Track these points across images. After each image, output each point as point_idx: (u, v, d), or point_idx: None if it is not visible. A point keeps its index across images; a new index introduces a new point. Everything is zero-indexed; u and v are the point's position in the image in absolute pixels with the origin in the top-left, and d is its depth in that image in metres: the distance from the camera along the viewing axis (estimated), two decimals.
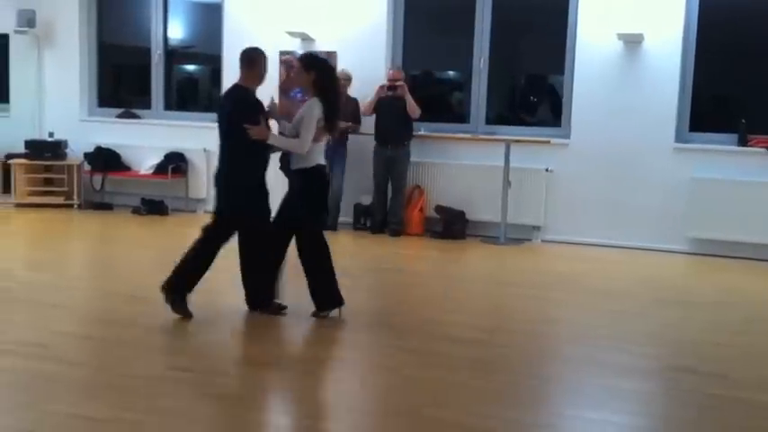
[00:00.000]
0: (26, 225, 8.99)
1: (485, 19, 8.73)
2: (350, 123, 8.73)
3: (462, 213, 8.59)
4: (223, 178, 5.36)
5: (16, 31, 10.05)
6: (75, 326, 5.24)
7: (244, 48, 5.51)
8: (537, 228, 8.55)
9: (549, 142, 8.44)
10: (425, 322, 5.58)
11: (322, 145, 5.36)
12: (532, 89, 9.71)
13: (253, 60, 5.37)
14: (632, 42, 8.14)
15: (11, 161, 9.81)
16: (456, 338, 5.18)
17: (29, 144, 9.83)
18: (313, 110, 5.20)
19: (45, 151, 9.77)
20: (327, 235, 8.37)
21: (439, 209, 8.62)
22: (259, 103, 5.34)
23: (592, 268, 7.50)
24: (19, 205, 9.62)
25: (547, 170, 8.44)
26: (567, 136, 8.49)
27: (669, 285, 7.01)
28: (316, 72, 5.31)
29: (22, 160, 9.77)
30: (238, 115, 5.20)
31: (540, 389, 4.46)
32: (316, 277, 5.37)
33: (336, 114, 5.40)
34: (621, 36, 8.13)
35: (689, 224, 8.02)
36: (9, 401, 4.01)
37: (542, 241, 8.52)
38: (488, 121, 8.90)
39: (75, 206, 9.76)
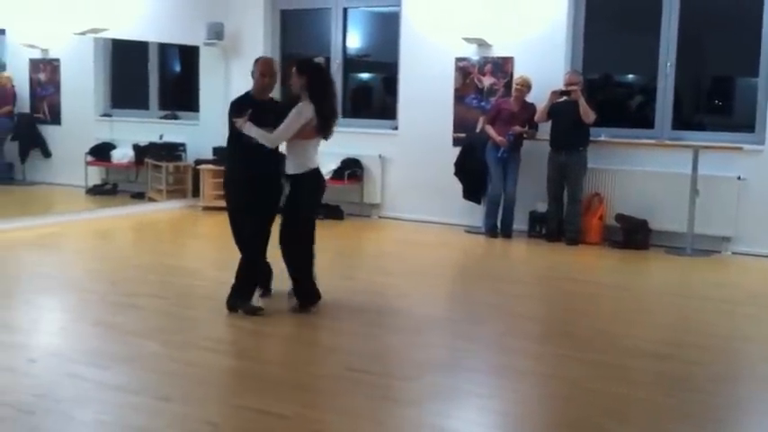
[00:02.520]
0: (213, 227, 9.43)
1: (672, 18, 8.32)
2: (525, 129, 8.60)
3: (645, 222, 8.21)
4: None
5: (205, 44, 10.58)
6: (261, 324, 5.40)
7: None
8: (727, 239, 8.03)
9: (741, 149, 7.92)
10: (606, 334, 5.36)
11: (314, 149, 5.51)
12: (721, 92, 9.17)
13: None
14: None
15: (200, 167, 10.35)
16: (639, 352, 4.95)
17: (216, 151, 10.33)
18: (300, 111, 5.34)
19: None
20: (501, 242, 8.32)
21: (620, 217, 8.28)
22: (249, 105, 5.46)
23: None
24: (206, 208, 10.13)
25: (739, 178, 7.92)
26: (762, 142, 7.93)
27: None
28: (307, 76, 5.43)
29: (210, 166, 10.28)
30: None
31: (731, 410, 4.17)
32: (302, 274, 5.54)
33: (329, 116, 5.43)
34: None
35: None
36: (196, 394, 4.17)
37: (733, 253, 7.99)
38: (674, 126, 8.46)
39: None
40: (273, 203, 5.58)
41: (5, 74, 11.49)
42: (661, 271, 7.59)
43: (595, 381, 4.44)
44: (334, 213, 9.78)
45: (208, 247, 8.63)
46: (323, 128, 5.44)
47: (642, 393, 4.27)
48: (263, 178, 5.48)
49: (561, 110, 8.33)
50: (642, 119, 8.92)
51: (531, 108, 8.59)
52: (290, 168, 5.48)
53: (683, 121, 8.63)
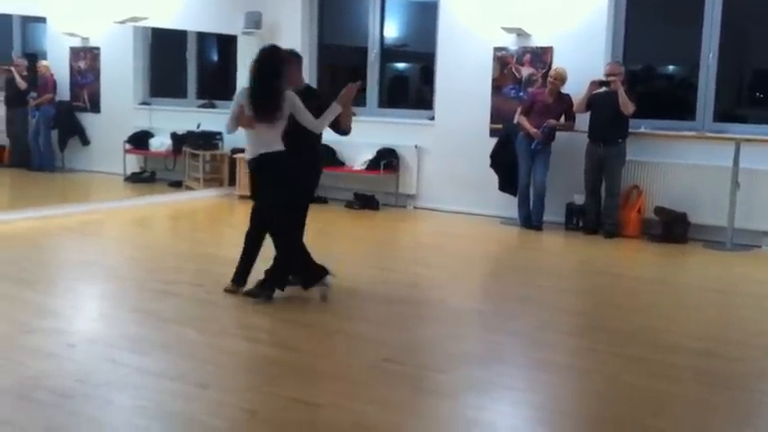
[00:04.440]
0: (247, 216, 9.47)
1: (715, 9, 8.17)
2: (560, 122, 8.50)
3: (684, 216, 8.09)
4: None
5: (243, 33, 10.62)
6: (297, 313, 5.42)
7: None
8: None
9: None
10: (645, 329, 5.29)
11: (261, 135, 5.37)
12: (764, 84, 8.99)
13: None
14: None
15: (236, 155, 10.39)
16: (679, 348, 4.88)
17: None
18: (236, 97, 5.45)
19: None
20: (537, 235, 8.25)
21: (659, 210, 8.17)
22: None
23: None
24: (242, 197, 10.17)
25: None
26: None
27: None
28: (253, 62, 5.42)
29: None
30: None
31: None
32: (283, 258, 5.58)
33: (260, 102, 5.30)
34: None
35: None
36: (233, 381, 4.20)
37: None
38: (716, 119, 8.32)
39: None
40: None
41: (44, 62, 11.65)
42: (700, 265, 7.48)
43: (634, 376, 4.38)
44: (370, 204, 9.78)
45: (244, 235, 8.65)
46: (257, 116, 5.41)
47: (682, 389, 4.22)
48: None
49: (600, 101, 8.23)
50: (683, 111, 8.79)
51: (566, 100, 8.50)
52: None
53: (725, 113, 8.48)
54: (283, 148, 5.39)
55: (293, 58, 5.68)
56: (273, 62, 5.37)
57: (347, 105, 5.50)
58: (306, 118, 5.39)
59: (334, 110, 5.42)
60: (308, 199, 5.83)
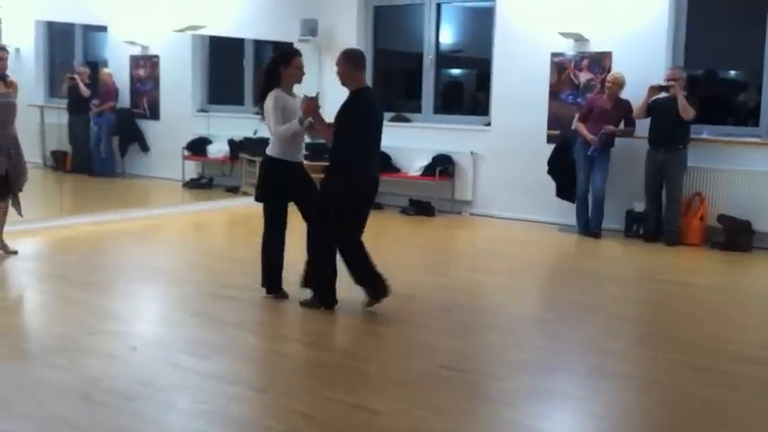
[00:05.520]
0: (302, 220, 9.51)
1: None
2: (619, 128, 8.36)
3: (748, 224, 7.89)
4: None
5: (300, 40, 10.68)
6: (354, 319, 5.41)
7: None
8: None
9: None
10: (708, 338, 5.17)
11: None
12: None
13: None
14: None
15: None
16: (744, 357, 4.76)
17: (308, 146, 10.32)
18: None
19: (323, 153, 10.28)
20: (596, 242, 8.12)
21: (722, 218, 7.98)
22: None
23: None
24: None
25: None
26: None
27: None
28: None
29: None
30: None
31: None
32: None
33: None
34: None
35: None
36: (291, 386, 4.21)
37: None
38: None
39: None
40: None
41: (107, 70, 11.87)
42: (765, 274, 7.28)
43: (697, 386, 4.29)
44: (426, 210, 9.75)
45: (299, 241, 8.69)
46: None
47: (746, 400, 4.11)
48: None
49: (661, 106, 8.08)
50: (747, 116, 8.58)
51: (625, 105, 8.36)
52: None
53: None
54: (274, 150, 5.52)
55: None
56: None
57: (315, 118, 5.38)
58: (268, 122, 5.48)
59: (293, 126, 5.41)
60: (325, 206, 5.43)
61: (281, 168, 5.51)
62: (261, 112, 5.60)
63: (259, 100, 5.60)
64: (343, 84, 5.38)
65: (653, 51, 8.42)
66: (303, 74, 5.63)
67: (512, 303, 5.92)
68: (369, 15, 10.67)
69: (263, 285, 5.68)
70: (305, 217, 5.64)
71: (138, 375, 4.22)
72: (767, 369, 4.57)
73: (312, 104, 5.36)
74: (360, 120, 5.25)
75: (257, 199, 5.64)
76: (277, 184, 5.53)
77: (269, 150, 5.57)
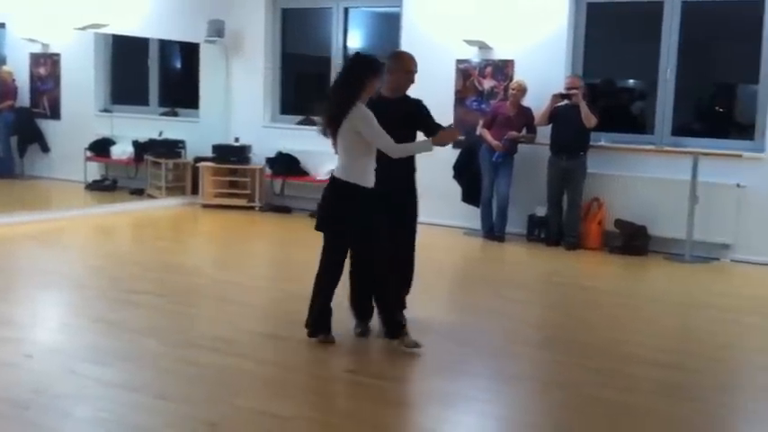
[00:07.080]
0: (212, 225, 9.42)
1: (673, 25, 8.31)
2: (522, 134, 8.57)
3: (644, 228, 8.21)
4: None
5: (206, 41, 10.56)
6: (259, 324, 5.39)
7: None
8: (726, 246, 8.02)
9: (740, 156, 7.92)
10: (606, 341, 5.35)
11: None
12: (722, 99, 9.16)
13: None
14: None
15: (199, 164, 10.32)
16: (640, 359, 4.94)
17: (216, 148, 10.32)
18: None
19: (231, 155, 10.22)
20: (499, 246, 8.28)
21: (619, 223, 8.28)
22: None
23: None
24: (205, 206, 10.12)
25: (738, 185, 7.91)
26: (762, 149, 7.93)
27: None
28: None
29: (210, 163, 10.26)
30: None
31: (732, 419, 4.18)
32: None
33: None
34: None
35: None
36: (195, 393, 4.15)
37: (732, 261, 7.97)
38: (674, 133, 8.46)
39: (257, 208, 10.14)
40: None
41: (6, 68, 11.47)
42: (660, 278, 7.58)
43: (595, 388, 4.43)
44: None
45: (207, 244, 8.62)
46: None
47: (643, 401, 4.26)
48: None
49: (563, 114, 8.33)
50: (642, 124, 8.93)
51: (527, 112, 8.58)
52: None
53: (683, 127, 8.61)
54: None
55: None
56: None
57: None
58: (369, 137, 4.77)
59: (425, 146, 4.93)
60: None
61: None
62: (332, 128, 4.85)
63: (337, 114, 4.77)
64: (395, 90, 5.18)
65: (553, 60, 8.67)
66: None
67: (417, 307, 5.98)
68: (277, 17, 10.61)
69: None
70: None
71: (33, 383, 4.10)
72: (662, 371, 4.75)
73: (456, 135, 5.13)
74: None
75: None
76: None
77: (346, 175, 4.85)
